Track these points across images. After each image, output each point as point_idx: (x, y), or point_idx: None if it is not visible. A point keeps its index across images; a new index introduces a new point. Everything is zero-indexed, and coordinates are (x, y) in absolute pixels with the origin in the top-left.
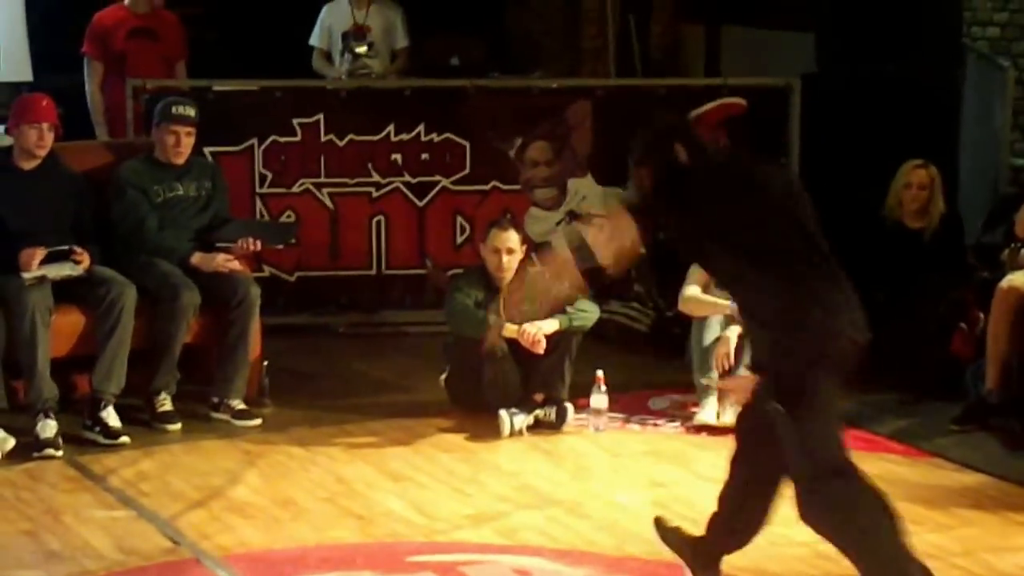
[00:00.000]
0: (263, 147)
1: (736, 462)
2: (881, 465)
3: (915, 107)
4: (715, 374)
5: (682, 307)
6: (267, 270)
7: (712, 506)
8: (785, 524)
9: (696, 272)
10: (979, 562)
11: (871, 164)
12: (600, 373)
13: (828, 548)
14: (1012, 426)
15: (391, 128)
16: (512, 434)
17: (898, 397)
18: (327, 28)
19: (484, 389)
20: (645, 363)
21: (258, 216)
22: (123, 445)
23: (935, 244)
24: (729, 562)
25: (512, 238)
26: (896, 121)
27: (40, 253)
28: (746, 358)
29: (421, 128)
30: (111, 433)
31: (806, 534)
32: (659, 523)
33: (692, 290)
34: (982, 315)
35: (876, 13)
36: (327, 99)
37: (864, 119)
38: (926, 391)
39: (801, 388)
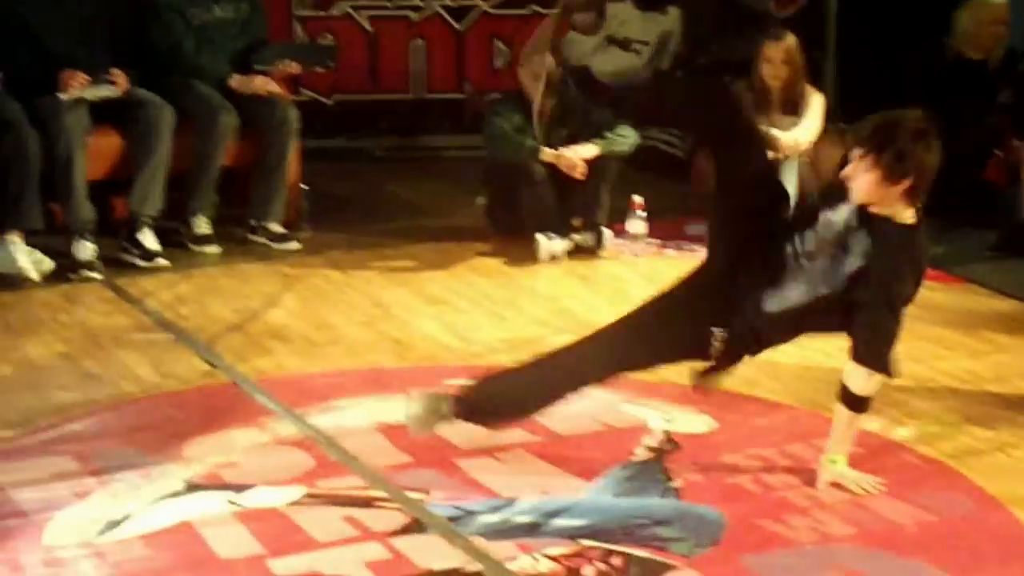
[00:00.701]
0: None
1: None
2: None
3: None
4: None
5: None
6: (305, 93)
7: None
8: (821, 350)
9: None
10: (1012, 387)
11: None
12: (638, 198)
13: None
14: None
15: None
16: (550, 259)
17: (932, 222)
18: None
19: (522, 214)
20: (683, 189)
21: (296, 39)
22: (161, 267)
23: (997, 75)
24: (760, 384)
25: (550, 63)
26: None
27: (82, 78)
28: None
29: None
30: (149, 255)
31: (843, 359)
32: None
33: None
34: (1016, 142)
35: None
36: None
37: None
38: (960, 217)
39: None
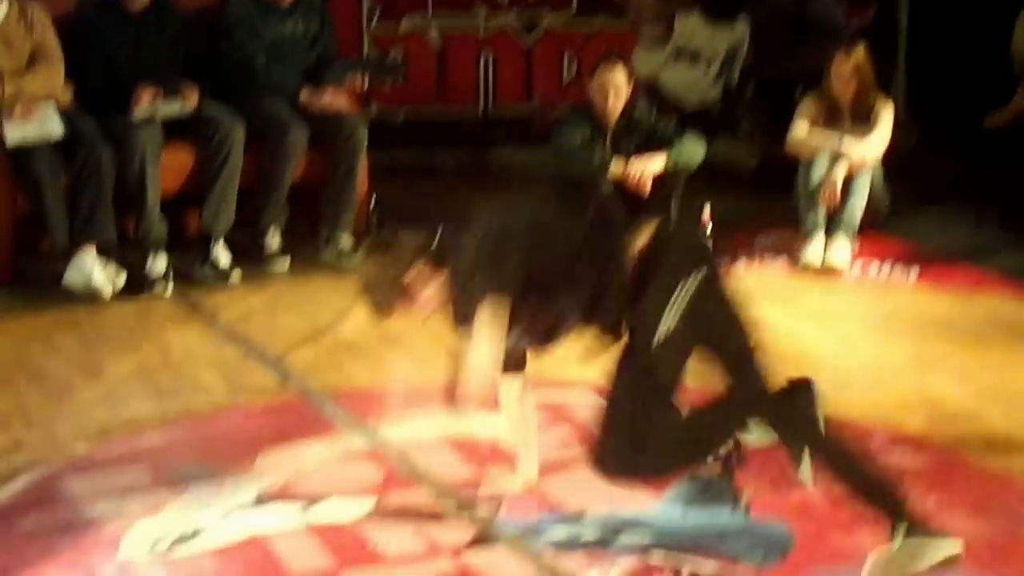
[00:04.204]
0: None
1: None
2: (988, 303)
3: None
4: (822, 212)
5: (790, 145)
6: (374, 108)
7: (816, 346)
8: (892, 362)
9: (805, 109)
10: None
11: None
12: (707, 211)
13: (934, 386)
14: None
15: None
16: None
17: (1008, 234)
18: None
19: None
20: (752, 201)
21: (366, 54)
22: (233, 282)
23: None
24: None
25: (619, 76)
26: None
27: (151, 94)
28: (853, 196)
29: None
30: (221, 270)
31: (914, 372)
32: None
33: (801, 127)
34: None
35: None
36: None
37: None
38: None
39: None
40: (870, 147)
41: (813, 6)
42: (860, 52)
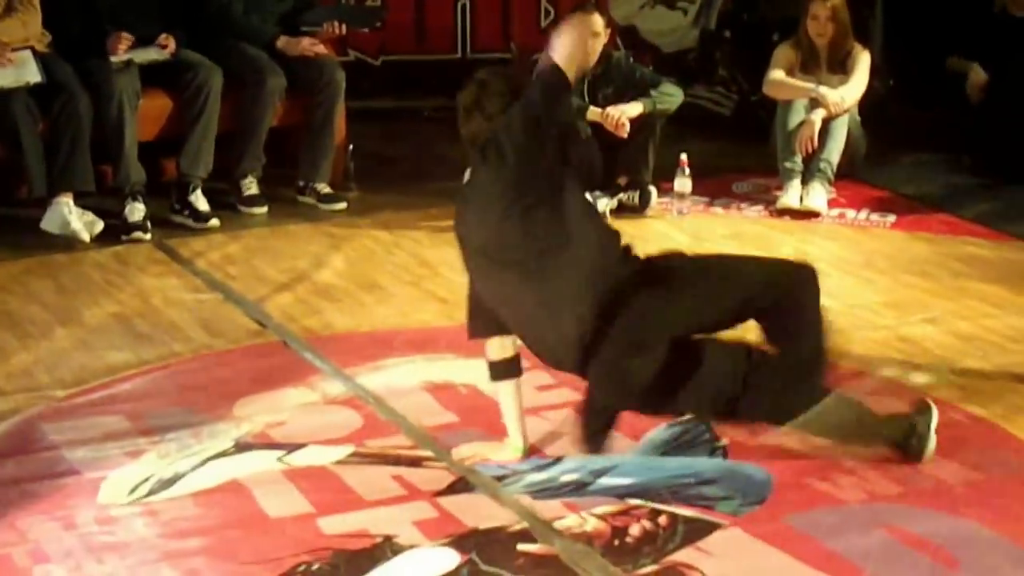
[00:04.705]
0: None
1: None
2: (963, 248)
3: None
4: (799, 157)
5: (767, 90)
6: (352, 54)
7: None
8: (869, 307)
9: (781, 55)
10: None
11: None
12: (684, 156)
13: (910, 331)
14: None
15: None
16: None
17: (982, 180)
18: None
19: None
20: (729, 147)
21: (343, 0)
22: (212, 228)
23: None
24: None
25: (597, 21)
26: None
27: (127, 40)
28: (830, 142)
29: None
30: (200, 216)
31: (890, 317)
32: None
33: (777, 73)
34: None
35: None
36: None
37: None
38: (1011, 174)
39: None
40: (847, 92)
41: None
42: None
